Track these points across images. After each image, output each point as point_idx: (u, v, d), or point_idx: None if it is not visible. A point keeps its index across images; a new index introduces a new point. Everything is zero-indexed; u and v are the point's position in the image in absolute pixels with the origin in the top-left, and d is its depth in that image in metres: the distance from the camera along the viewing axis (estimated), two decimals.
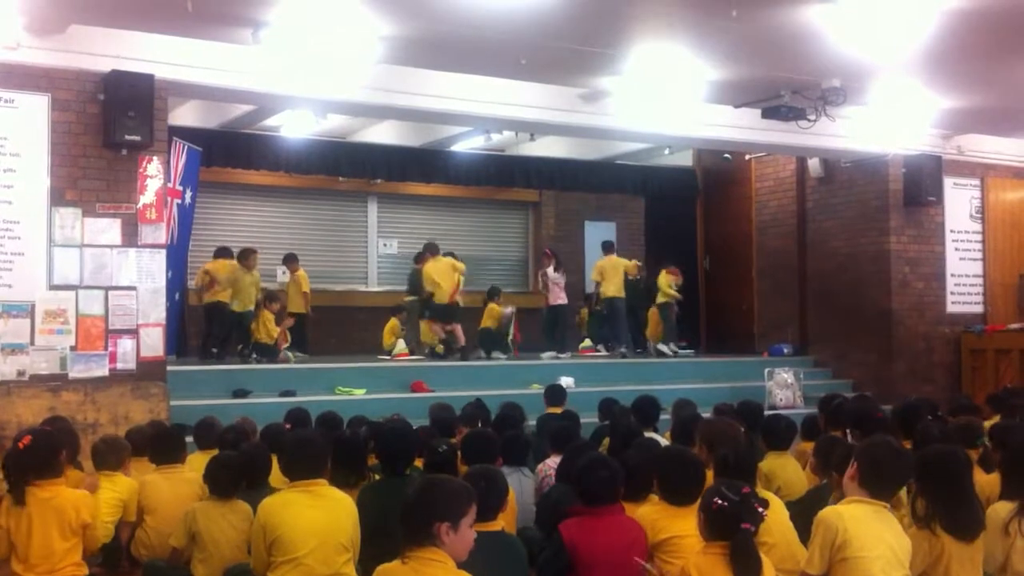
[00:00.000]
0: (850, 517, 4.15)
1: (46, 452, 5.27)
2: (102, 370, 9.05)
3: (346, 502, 4.97)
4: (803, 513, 4.97)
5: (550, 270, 14.42)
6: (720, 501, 3.93)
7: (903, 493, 5.00)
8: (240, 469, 5.64)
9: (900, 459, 4.36)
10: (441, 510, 3.67)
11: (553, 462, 6.43)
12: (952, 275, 13.97)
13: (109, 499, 6.09)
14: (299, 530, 4.72)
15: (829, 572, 4.16)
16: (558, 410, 9.03)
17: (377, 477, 5.98)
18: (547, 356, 13.79)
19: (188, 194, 11.63)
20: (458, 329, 12.87)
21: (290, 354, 12.39)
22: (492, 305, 14.17)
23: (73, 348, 8.98)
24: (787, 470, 6.48)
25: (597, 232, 17.25)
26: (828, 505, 4.66)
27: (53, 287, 8.96)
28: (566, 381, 11.40)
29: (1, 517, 5.16)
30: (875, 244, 13.66)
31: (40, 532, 5.06)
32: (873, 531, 4.14)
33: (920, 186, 13.31)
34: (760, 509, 3.97)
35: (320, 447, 5.09)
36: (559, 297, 14.34)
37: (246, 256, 12.29)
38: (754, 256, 15.66)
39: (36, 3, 8.42)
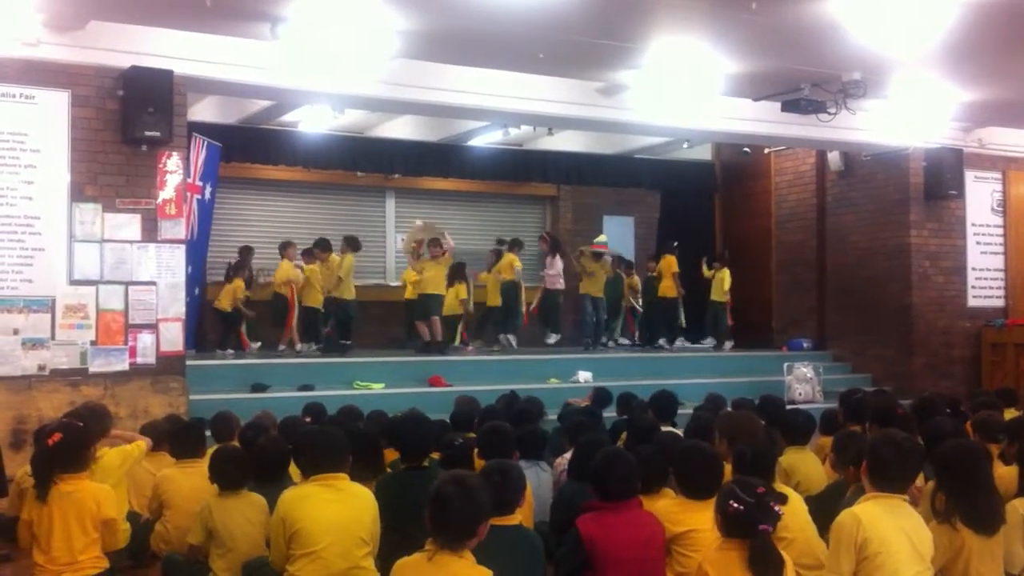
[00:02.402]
0: (866, 516, 4.13)
1: (74, 448, 5.26)
2: (122, 364, 9.11)
3: (366, 496, 4.95)
4: (822, 508, 4.97)
5: (549, 258, 14.44)
6: (736, 504, 3.89)
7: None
8: (243, 460, 5.61)
9: (905, 453, 4.31)
10: (489, 509, 3.84)
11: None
12: (973, 269, 13.87)
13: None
14: (319, 523, 4.72)
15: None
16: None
17: (389, 471, 5.97)
18: (552, 339, 13.93)
19: (207, 189, 11.68)
20: (436, 322, 12.88)
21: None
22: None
23: (93, 343, 9.04)
24: (807, 465, 6.46)
25: (616, 227, 17.20)
26: (846, 500, 4.64)
27: (73, 282, 9.02)
28: (584, 376, 11.40)
29: (24, 510, 5.20)
30: (895, 238, 13.57)
31: (61, 525, 5.08)
32: (891, 526, 4.11)
33: (941, 179, 13.23)
34: (776, 508, 3.92)
35: (341, 441, 5.07)
36: (556, 282, 14.30)
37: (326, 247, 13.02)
38: (773, 250, 15.61)
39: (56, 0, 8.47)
